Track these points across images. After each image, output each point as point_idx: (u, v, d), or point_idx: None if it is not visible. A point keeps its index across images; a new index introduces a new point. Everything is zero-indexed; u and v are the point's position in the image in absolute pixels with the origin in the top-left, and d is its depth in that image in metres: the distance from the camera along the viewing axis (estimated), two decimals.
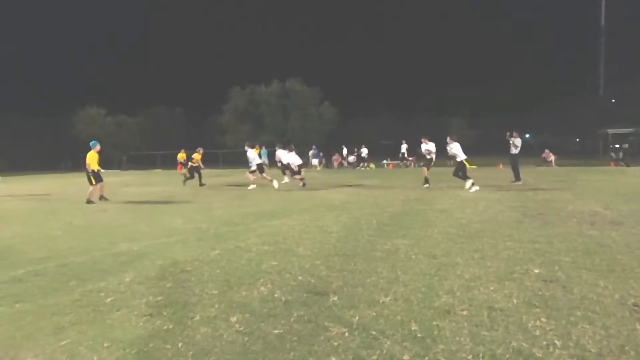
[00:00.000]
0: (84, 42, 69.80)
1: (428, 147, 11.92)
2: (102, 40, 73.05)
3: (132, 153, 42.89)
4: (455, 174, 11.12)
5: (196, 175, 15.13)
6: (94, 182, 10.11)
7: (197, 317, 2.86)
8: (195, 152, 15.47)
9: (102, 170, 10.66)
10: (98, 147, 10.34)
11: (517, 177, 12.06)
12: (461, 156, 10.94)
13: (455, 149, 11.04)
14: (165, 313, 2.95)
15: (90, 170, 10.10)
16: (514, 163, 12.25)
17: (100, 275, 3.91)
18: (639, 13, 42.87)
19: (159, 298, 3.25)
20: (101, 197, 10.31)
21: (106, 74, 60.61)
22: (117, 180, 19.97)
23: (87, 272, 4.04)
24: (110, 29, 73.27)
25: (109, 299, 3.27)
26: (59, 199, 11.55)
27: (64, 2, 71.17)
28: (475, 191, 10.02)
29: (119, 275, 3.88)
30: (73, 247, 5.22)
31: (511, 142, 12.23)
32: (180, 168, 21.87)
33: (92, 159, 10.11)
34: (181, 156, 20.93)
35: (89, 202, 9.83)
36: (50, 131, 44.93)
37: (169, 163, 34.66)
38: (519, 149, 12.22)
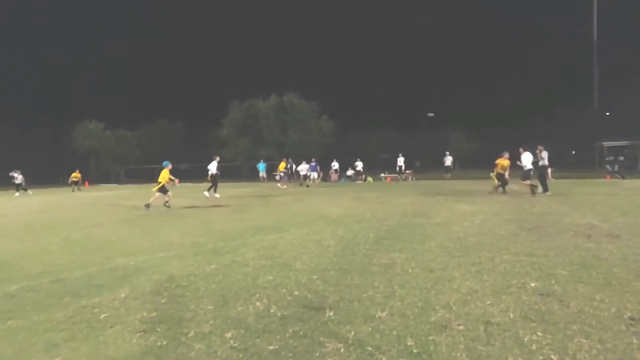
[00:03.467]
0: (84, 55, 70.49)
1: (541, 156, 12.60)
2: (101, 54, 73.77)
3: (130, 167, 42.94)
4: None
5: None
6: (154, 190, 12.22)
7: (192, 333, 2.83)
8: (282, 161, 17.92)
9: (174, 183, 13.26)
10: (170, 167, 12.48)
11: (546, 188, 12.50)
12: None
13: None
14: (159, 329, 2.93)
15: (160, 183, 12.32)
16: (542, 175, 12.85)
17: (95, 291, 3.88)
18: (631, 26, 43.74)
19: (154, 314, 3.23)
20: (165, 203, 11.91)
21: (106, 88, 61.10)
22: (115, 194, 19.95)
23: (82, 288, 4.01)
24: (109, 43, 74.12)
25: (102, 315, 3.24)
26: (56, 213, 11.51)
27: (63, 16, 72.11)
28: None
29: (114, 291, 3.85)
30: (69, 262, 5.19)
31: (538, 155, 12.95)
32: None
33: (164, 175, 12.27)
34: (75, 175, 25.31)
35: (147, 206, 11.45)
36: (49, 144, 45.11)
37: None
38: (545, 160, 12.95)
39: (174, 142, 48.33)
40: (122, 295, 3.73)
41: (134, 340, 2.76)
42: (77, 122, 44.07)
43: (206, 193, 15.48)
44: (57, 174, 44.08)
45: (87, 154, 44.65)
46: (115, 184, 34.37)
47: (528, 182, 12.29)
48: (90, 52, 72.10)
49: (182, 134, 50.17)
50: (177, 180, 14.27)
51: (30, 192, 22.75)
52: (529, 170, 12.45)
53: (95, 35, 75.76)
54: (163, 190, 11.86)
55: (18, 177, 22.63)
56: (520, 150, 12.80)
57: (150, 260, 5.09)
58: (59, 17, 71.30)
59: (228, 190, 18.98)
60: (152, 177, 38.74)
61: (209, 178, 16.01)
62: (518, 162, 12.77)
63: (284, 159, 22.53)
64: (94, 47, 74.07)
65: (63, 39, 69.64)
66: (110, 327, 3.01)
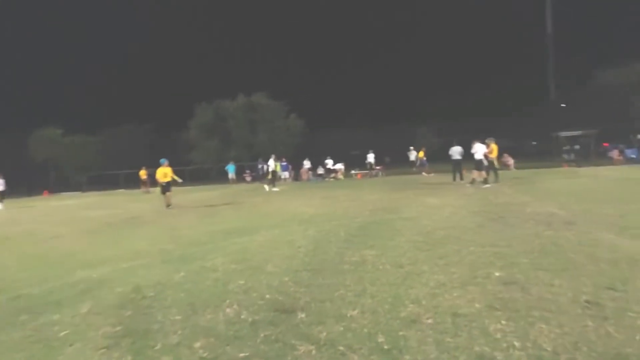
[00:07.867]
0: (39, 58, 66.78)
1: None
2: (58, 56, 70.13)
3: (93, 174, 41.13)
4: None
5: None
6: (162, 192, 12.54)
7: (159, 346, 2.74)
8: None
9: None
10: (166, 163, 12.48)
11: (454, 178, 15.01)
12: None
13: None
14: (123, 344, 2.81)
15: (159, 183, 12.47)
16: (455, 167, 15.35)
17: (54, 308, 3.69)
18: (584, 19, 46.47)
19: (118, 328, 3.10)
20: (168, 206, 12.04)
21: (63, 92, 58.13)
22: (77, 203, 19.07)
23: (40, 305, 3.80)
24: (68, 45, 70.54)
25: (62, 333, 3.08)
26: (11, 227, 10.87)
27: (17, 16, 67.92)
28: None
29: (75, 306, 3.68)
30: (27, 277, 4.91)
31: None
32: None
33: (160, 173, 12.37)
34: (142, 174, 24.34)
35: (168, 206, 12.03)
36: (3, 153, 42.41)
37: (133, 183, 33.52)
38: (454, 156, 15.29)
39: (140, 146, 46.66)
40: (84, 310, 3.57)
41: (96, 358, 2.64)
42: (33, 129, 41.71)
43: (266, 187, 17.60)
44: (13, 185, 41.60)
45: (44, 162, 42.31)
46: (78, 192, 32.87)
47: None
48: (47, 53, 68.28)
49: (149, 137, 48.53)
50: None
51: None
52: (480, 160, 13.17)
53: (52, 35, 71.85)
54: (164, 189, 12.31)
55: None
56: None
57: (115, 272, 4.89)
58: (10, 14, 67.15)
59: (197, 194, 18.57)
60: (117, 184, 37.30)
61: (269, 175, 18.02)
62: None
63: (418, 149, 24.22)
64: (49, 48, 70.26)
65: (17, 39, 65.65)
66: (70, 345, 2.87)
